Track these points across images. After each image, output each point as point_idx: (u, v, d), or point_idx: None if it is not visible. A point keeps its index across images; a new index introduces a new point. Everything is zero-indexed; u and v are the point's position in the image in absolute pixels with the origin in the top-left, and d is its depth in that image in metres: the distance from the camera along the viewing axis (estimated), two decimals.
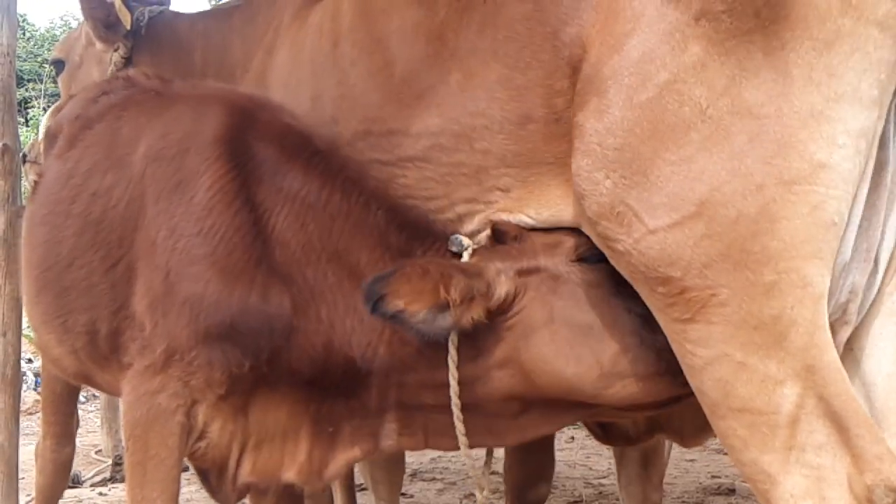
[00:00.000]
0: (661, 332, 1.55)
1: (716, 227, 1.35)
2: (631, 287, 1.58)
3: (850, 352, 1.48)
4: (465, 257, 1.73)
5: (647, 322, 1.57)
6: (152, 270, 1.81)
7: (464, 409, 1.70)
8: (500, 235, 1.74)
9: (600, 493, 4.05)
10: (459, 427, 1.71)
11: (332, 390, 1.80)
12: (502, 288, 1.64)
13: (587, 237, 1.65)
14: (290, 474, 1.84)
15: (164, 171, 1.87)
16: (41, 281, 2.06)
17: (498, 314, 1.65)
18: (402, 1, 1.91)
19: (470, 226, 1.82)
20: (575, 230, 1.69)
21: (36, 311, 2.12)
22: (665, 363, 1.57)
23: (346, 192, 1.83)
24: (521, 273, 1.67)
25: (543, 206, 1.69)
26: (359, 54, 2.01)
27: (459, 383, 1.68)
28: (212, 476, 1.93)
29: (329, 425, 1.82)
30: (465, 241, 1.76)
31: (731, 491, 3.98)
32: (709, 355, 1.39)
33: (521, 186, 1.70)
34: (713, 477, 4.22)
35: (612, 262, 1.56)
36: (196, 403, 1.77)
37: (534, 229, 1.73)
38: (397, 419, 1.81)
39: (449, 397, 1.69)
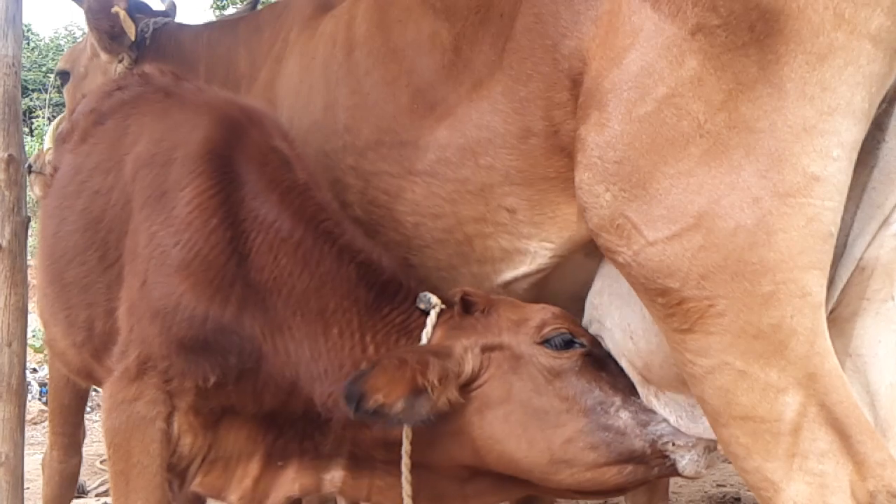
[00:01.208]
0: (616, 421, 1.60)
1: (713, 238, 1.36)
2: (591, 375, 1.63)
3: (851, 360, 1.49)
4: (432, 316, 1.75)
5: (603, 412, 1.61)
6: (132, 277, 1.83)
7: (413, 468, 1.72)
8: (469, 306, 1.76)
9: (605, 501, 4.04)
10: (406, 488, 1.72)
11: (289, 427, 1.81)
12: (469, 365, 1.66)
13: (555, 316, 1.69)
14: (233, 497, 1.85)
15: (151, 178, 1.89)
16: (50, 273, 2.09)
17: (461, 388, 1.66)
18: (419, 11, 1.93)
19: (485, 252, 1.82)
20: (544, 307, 1.72)
21: (45, 302, 2.15)
22: (616, 454, 1.60)
23: (319, 239, 1.82)
24: (485, 349, 1.69)
25: (561, 226, 1.69)
26: (373, 64, 2.03)
27: (412, 443, 1.70)
28: (174, 485, 1.93)
29: (280, 460, 1.83)
30: (434, 299, 1.78)
31: (737, 500, 3.97)
32: (709, 364, 1.40)
33: (528, 207, 1.71)
34: (719, 486, 4.21)
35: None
36: (174, 412, 1.78)
37: (556, 256, 1.73)
38: (346, 468, 1.82)
39: (401, 456, 1.71)
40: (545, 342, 1.67)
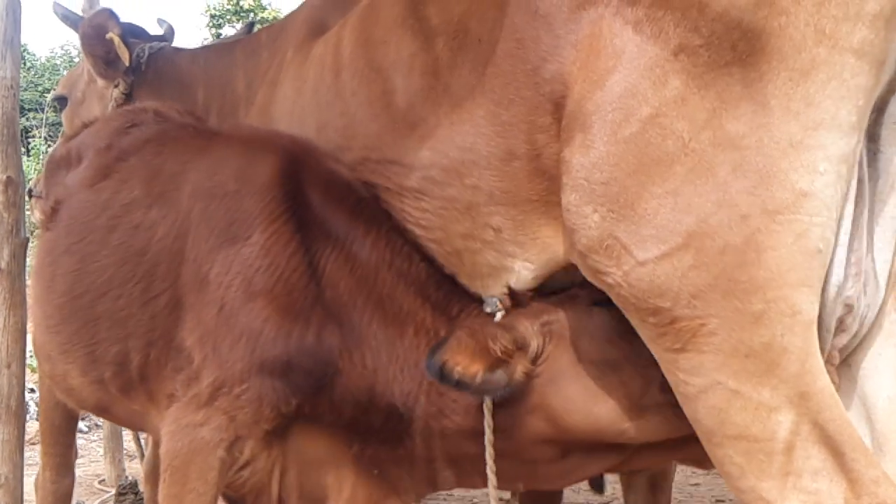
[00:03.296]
0: None
1: (703, 257, 1.36)
2: None
3: (850, 373, 1.49)
4: (498, 317, 1.78)
5: None
6: (204, 305, 1.85)
7: (504, 455, 1.74)
8: (520, 298, 1.79)
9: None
10: (491, 478, 1.74)
11: (374, 435, 1.84)
12: (534, 340, 1.70)
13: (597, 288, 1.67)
14: None
15: (214, 210, 1.92)
16: (66, 310, 2.06)
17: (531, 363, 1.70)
18: (399, 32, 1.94)
19: (473, 267, 1.83)
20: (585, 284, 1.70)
21: (55, 339, 2.11)
22: None
23: (390, 242, 1.89)
24: (545, 324, 1.73)
25: (541, 248, 1.70)
26: (359, 84, 2.05)
27: (494, 431, 1.72)
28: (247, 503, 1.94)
29: (375, 468, 1.86)
30: (500, 302, 1.80)
31: None
32: (702, 384, 1.40)
33: (512, 226, 1.72)
34: (718, 501, 4.17)
35: (606, 293, 1.57)
36: (239, 438, 1.79)
37: (537, 277, 1.74)
38: (450, 467, 1.86)
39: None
40: (598, 304, 1.68)
